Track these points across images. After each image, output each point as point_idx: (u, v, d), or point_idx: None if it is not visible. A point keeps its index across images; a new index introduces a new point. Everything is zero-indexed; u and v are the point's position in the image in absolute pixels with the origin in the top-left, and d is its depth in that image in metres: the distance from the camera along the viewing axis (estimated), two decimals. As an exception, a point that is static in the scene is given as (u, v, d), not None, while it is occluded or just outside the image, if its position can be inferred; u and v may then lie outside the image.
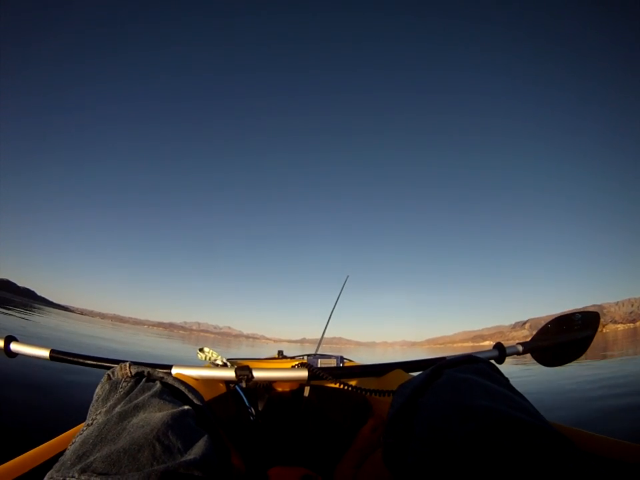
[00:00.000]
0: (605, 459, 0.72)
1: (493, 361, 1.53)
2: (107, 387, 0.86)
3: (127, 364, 0.93)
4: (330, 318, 3.40)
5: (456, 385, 0.73)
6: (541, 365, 1.74)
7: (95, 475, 0.55)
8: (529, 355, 1.75)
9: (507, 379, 0.83)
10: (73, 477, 0.55)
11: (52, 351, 1.56)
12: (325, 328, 3.36)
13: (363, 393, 1.37)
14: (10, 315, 18.13)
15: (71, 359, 1.56)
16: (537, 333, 1.78)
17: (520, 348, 1.66)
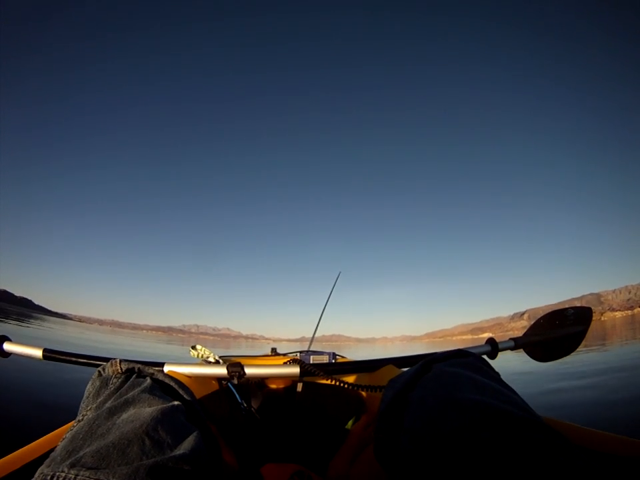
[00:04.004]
0: (596, 453, 0.72)
1: (485, 356, 1.54)
2: (98, 383, 0.87)
3: (117, 360, 0.94)
4: (322, 314, 3.43)
5: (445, 379, 0.73)
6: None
7: (84, 469, 0.55)
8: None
9: (497, 373, 0.83)
10: (62, 471, 0.55)
11: (45, 350, 1.58)
12: (317, 324, 3.39)
13: (355, 388, 1.38)
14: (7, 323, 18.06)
15: (64, 357, 1.57)
16: (530, 328, 1.79)
17: (512, 343, 1.66)
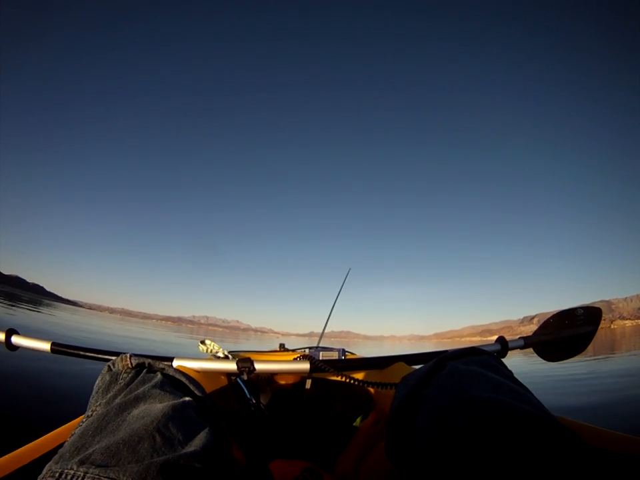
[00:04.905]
0: (610, 453, 0.71)
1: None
2: (107, 378, 0.85)
3: (128, 355, 0.92)
4: (332, 310, 3.39)
5: (459, 377, 0.72)
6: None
7: (94, 466, 0.54)
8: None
9: (510, 372, 0.81)
10: (71, 468, 0.53)
11: (53, 344, 1.57)
12: (327, 320, 3.35)
13: (365, 385, 1.37)
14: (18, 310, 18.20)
15: (72, 351, 1.56)
16: (540, 327, 1.77)
17: (522, 342, 1.64)
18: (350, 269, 3.87)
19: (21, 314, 15.71)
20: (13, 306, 20.22)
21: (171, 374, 0.92)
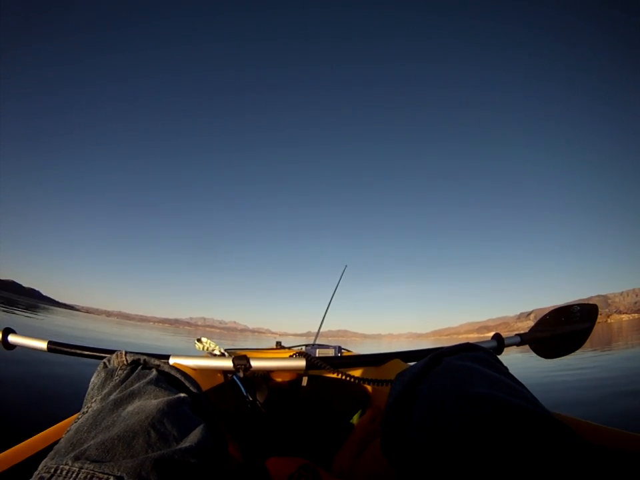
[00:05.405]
0: (607, 449, 0.70)
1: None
2: (103, 375, 0.86)
3: (123, 352, 0.93)
4: (328, 308, 3.40)
5: (455, 373, 0.71)
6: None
7: (89, 462, 0.54)
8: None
9: (506, 367, 0.81)
10: (66, 464, 0.54)
11: (49, 343, 1.57)
12: (323, 318, 3.36)
13: (361, 382, 1.37)
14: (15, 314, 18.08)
15: (69, 350, 1.57)
16: (536, 324, 1.76)
17: (518, 339, 1.64)
18: (346, 266, 3.86)
19: (18, 319, 15.62)
20: (8, 311, 20.09)
21: (166, 370, 0.92)
